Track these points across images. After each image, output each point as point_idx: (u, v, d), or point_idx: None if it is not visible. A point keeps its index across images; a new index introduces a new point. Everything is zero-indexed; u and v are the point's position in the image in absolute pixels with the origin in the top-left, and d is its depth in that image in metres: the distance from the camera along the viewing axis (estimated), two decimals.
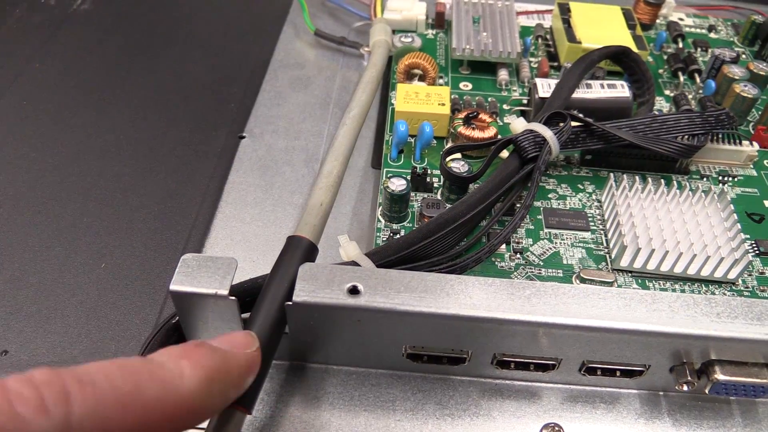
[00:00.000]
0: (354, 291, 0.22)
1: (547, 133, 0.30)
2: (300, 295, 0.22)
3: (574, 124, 0.31)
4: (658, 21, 0.44)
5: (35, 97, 0.38)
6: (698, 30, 0.44)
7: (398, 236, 0.28)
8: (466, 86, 0.37)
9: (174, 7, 0.47)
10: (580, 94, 0.34)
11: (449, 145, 0.33)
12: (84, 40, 0.43)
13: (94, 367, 0.15)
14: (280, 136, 0.35)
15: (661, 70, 0.40)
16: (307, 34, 0.42)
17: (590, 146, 0.31)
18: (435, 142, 0.33)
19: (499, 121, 0.35)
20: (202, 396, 0.17)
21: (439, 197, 0.30)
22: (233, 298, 0.22)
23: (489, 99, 0.36)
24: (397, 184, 0.28)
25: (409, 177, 0.29)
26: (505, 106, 0.36)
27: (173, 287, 0.22)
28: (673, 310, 0.22)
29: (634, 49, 0.37)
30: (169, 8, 0.47)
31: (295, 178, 0.32)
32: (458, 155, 0.31)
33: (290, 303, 0.22)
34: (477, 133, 0.32)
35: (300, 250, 0.24)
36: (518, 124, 0.31)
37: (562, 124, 0.30)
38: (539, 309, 0.22)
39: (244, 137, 0.35)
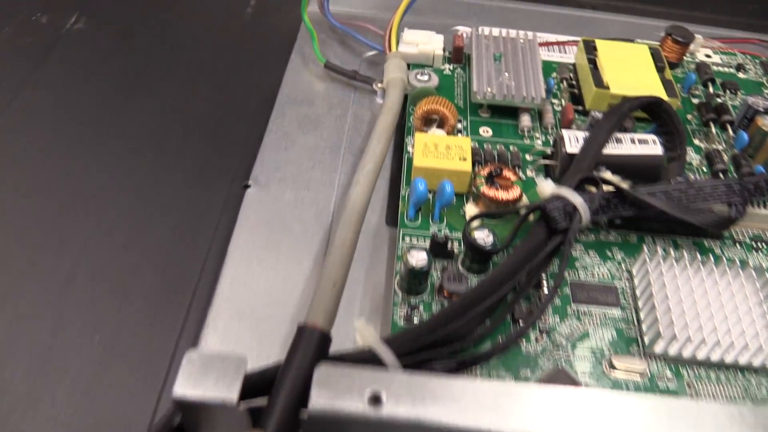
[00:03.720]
0: (376, 400, 0.20)
1: (577, 200, 0.28)
2: (318, 403, 0.20)
3: (605, 187, 0.29)
4: (685, 58, 0.42)
5: (25, 129, 0.35)
6: (726, 69, 0.42)
7: (418, 323, 0.26)
8: (486, 132, 0.35)
9: (174, 29, 0.44)
10: (609, 149, 0.32)
11: (474, 212, 0.30)
12: (77, 65, 0.40)
13: None
14: (287, 185, 0.33)
15: (689, 116, 0.38)
16: (315, 64, 0.40)
17: (622, 214, 0.29)
18: (455, 199, 0.31)
19: (521, 174, 0.33)
20: None
21: (460, 267, 0.28)
22: (243, 408, 0.20)
23: (511, 148, 0.34)
24: (418, 258, 0.26)
25: (428, 245, 0.27)
26: (528, 157, 0.34)
27: (177, 392, 0.20)
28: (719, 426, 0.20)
29: (665, 97, 0.35)
30: (169, 31, 0.44)
31: (305, 238, 0.30)
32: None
33: (306, 418, 0.20)
34: (501, 194, 0.30)
35: (312, 345, 0.22)
36: (546, 187, 0.29)
37: (593, 189, 0.28)
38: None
39: (249, 186, 0.32)
